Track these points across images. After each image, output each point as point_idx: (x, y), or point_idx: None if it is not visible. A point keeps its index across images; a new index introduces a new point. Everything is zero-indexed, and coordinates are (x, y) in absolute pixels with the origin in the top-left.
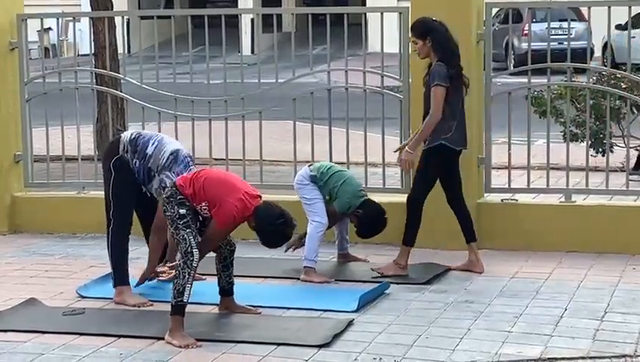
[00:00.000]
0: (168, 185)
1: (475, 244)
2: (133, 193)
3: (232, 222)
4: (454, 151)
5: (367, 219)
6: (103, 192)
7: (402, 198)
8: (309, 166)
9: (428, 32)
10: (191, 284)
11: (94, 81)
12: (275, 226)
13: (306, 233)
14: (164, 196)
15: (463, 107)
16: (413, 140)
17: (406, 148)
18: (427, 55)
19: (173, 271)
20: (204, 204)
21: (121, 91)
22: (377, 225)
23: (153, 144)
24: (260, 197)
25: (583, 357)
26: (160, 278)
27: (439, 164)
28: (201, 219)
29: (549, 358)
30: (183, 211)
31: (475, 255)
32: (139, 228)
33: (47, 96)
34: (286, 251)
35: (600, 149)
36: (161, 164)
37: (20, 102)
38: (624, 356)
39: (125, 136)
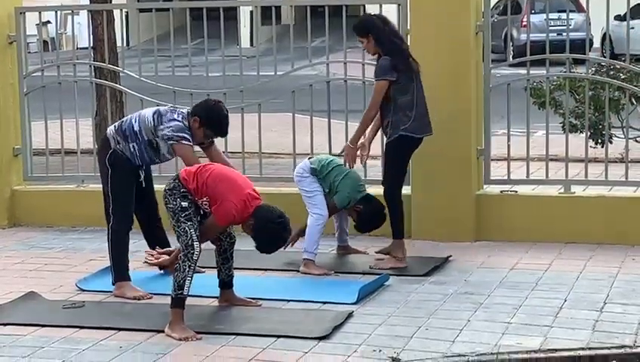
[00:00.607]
0: (167, 133)
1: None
2: (132, 187)
3: (231, 220)
4: (416, 139)
5: (367, 215)
6: (101, 186)
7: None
8: (309, 158)
9: (368, 30)
10: (191, 277)
11: (93, 74)
12: (275, 224)
13: (305, 226)
14: (166, 188)
15: (423, 94)
16: (353, 135)
17: (347, 143)
18: (375, 51)
19: (162, 256)
20: (205, 199)
21: (120, 84)
22: (377, 221)
23: (136, 120)
24: (260, 199)
25: (582, 348)
26: (147, 260)
27: (404, 154)
28: (202, 212)
29: (548, 349)
30: (185, 204)
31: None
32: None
33: (46, 89)
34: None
35: (599, 140)
36: (152, 127)
37: (18, 96)
38: (623, 346)
39: (110, 130)
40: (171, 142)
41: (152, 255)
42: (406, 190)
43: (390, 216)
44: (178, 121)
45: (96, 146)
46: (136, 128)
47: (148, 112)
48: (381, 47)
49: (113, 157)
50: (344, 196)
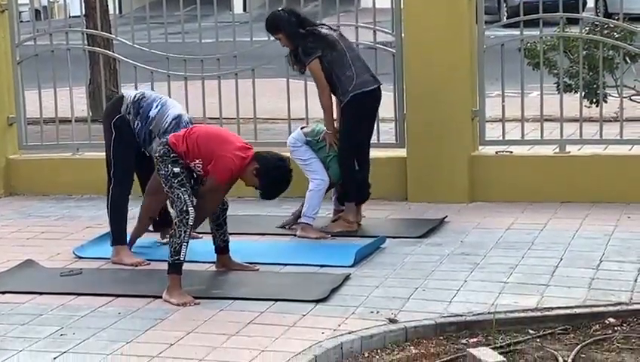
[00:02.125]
0: None
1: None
2: (133, 152)
3: (231, 176)
4: (369, 92)
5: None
6: (97, 154)
7: (397, 153)
8: (301, 128)
9: (278, 27)
10: (187, 243)
11: (86, 42)
12: (280, 161)
13: (299, 210)
14: (156, 155)
15: (356, 53)
16: (325, 122)
17: (324, 130)
18: (294, 45)
19: None
20: (198, 161)
21: (113, 52)
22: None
23: (157, 107)
24: (253, 149)
25: (578, 306)
26: (160, 241)
27: (360, 114)
28: (195, 176)
29: (545, 307)
30: (176, 170)
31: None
32: (138, 188)
33: (39, 58)
34: (281, 227)
35: (594, 100)
36: (163, 128)
37: (11, 65)
38: (620, 304)
39: (129, 96)
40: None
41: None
42: (401, 152)
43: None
44: None
45: (97, 110)
46: (151, 113)
47: (171, 111)
48: (295, 39)
49: (120, 121)
50: (336, 171)
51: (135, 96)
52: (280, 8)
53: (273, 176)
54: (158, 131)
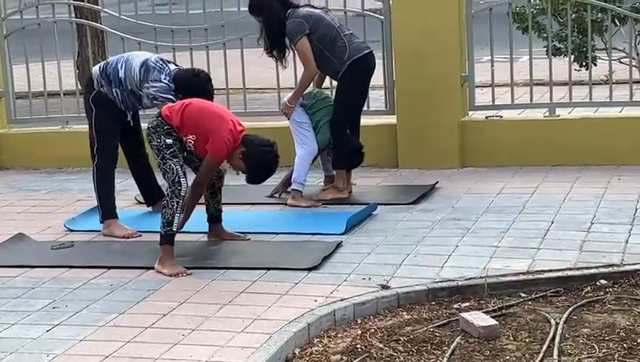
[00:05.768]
0: (152, 92)
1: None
2: (116, 126)
3: (226, 154)
4: (366, 56)
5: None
6: (86, 126)
7: (387, 120)
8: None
9: (261, 8)
10: (179, 213)
11: (73, 14)
12: (267, 147)
13: (289, 179)
14: (149, 126)
15: (338, 23)
16: (292, 94)
17: (285, 101)
18: (274, 26)
19: None
20: (191, 136)
21: (100, 24)
22: (353, 162)
23: (122, 67)
24: (244, 127)
25: (570, 269)
26: None
27: (360, 79)
28: (187, 149)
29: (536, 271)
30: (169, 141)
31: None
32: (124, 160)
33: (26, 32)
34: (271, 196)
35: (583, 63)
36: (137, 81)
37: None
38: (611, 265)
39: (95, 71)
40: (156, 102)
41: None
42: (391, 119)
43: (335, 146)
44: (164, 83)
45: (81, 87)
46: (120, 75)
47: (135, 62)
48: (278, 16)
49: (97, 97)
50: (325, 138)
51: (100, 68)
52: None
53: (259, 161)
54: (136, 86)
